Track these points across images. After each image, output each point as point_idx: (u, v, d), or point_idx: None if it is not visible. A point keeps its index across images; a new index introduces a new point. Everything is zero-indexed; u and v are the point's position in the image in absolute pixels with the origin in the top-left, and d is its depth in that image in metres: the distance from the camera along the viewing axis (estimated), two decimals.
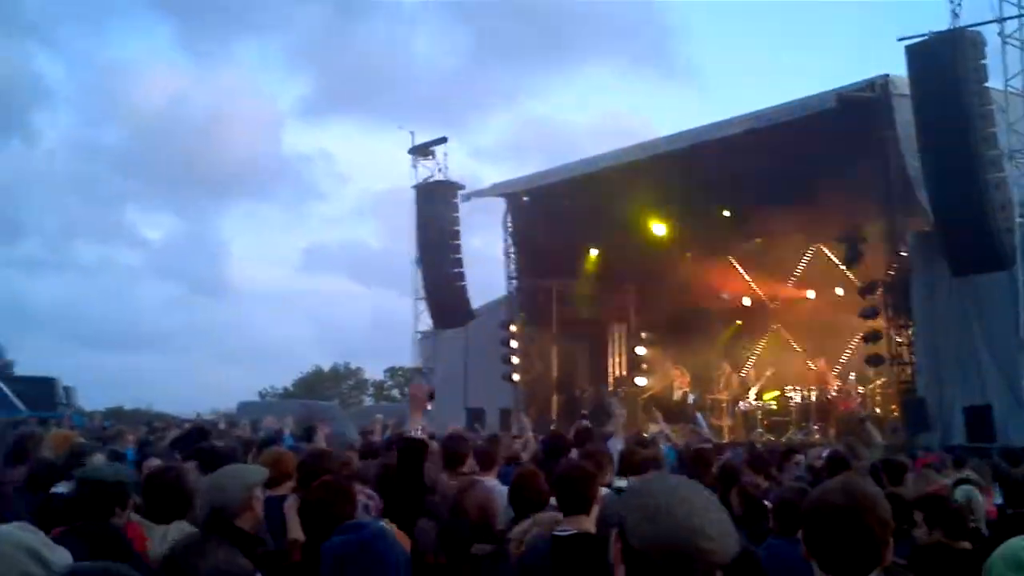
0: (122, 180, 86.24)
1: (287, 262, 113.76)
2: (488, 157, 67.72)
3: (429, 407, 5.45)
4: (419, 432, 5.11)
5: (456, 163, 26.11)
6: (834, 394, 22.76)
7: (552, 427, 17.15)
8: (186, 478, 5.18)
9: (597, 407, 22.50)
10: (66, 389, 29.80)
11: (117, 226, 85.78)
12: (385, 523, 4.40)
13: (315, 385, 55.68)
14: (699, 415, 17.00)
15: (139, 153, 76.25)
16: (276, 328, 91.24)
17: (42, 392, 27.59)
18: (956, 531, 5.31)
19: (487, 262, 28.80)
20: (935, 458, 11.32)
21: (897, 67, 16.50)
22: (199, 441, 8.84)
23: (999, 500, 7.24)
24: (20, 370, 29.63)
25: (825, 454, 8.98)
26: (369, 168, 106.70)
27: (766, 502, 5.88)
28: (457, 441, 7.13)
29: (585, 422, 12.96)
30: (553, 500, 5.60)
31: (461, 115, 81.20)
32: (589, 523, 4.63)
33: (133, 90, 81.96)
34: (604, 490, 5.69)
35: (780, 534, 4.90)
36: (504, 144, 73.39)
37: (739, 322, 26.40)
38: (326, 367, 61.60)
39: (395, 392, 58.78)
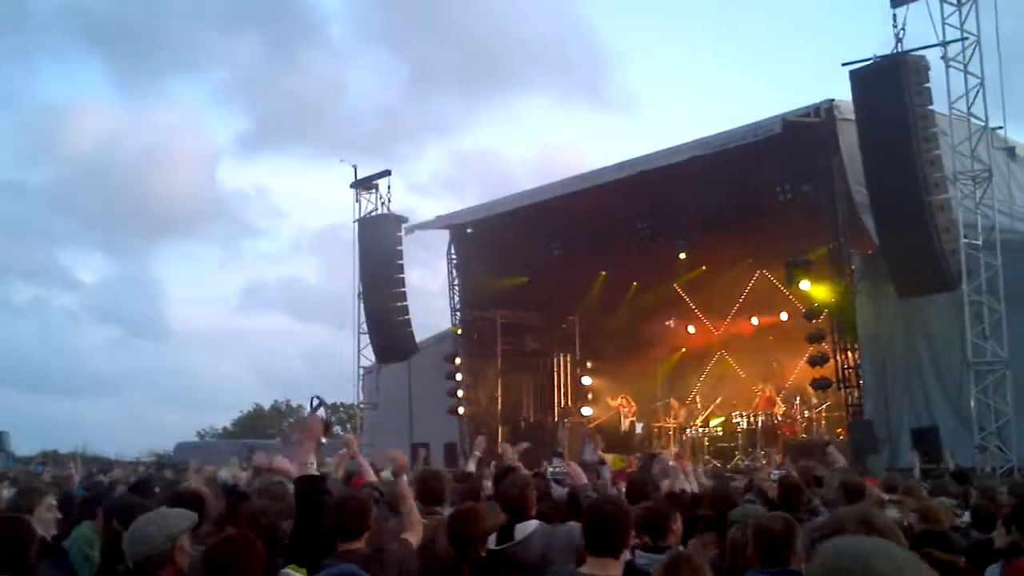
0: (55, 221, 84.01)
1: (225, 301, 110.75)
2: (424, 191, 67.17)
3: (324, 440, 5.04)
4: (312, 467, 4.62)
5: (395, 197, 25.73)
6: (780, 419, 22.81)
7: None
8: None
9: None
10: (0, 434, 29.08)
11: (51, 268, 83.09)
12: (291, 570, 4.08)
13: (255, 424, 54.53)
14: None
15: (73, 194, 74.39)
16: (215, 368, 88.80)
17: None
18: None
19: (428, 296, 28.53)
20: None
21: (842, 92, 16.62)
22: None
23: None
24: None
25: (775, 477, 8.66)
26: (307, 204, 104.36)
27: None
28: (434, 478, 6.73)
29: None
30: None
31: (397, 150, 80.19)
32: (617, 569, 4.31)
33: (65, 129, 79.94)
34: (534, 523, 5.48)
35: (765, 567, 4.57)
36: (441, 178, 72.85)
37: (683, 349, 26.41)
38: (266, 405, 60.59)
39: (337, 428, 57.97)
